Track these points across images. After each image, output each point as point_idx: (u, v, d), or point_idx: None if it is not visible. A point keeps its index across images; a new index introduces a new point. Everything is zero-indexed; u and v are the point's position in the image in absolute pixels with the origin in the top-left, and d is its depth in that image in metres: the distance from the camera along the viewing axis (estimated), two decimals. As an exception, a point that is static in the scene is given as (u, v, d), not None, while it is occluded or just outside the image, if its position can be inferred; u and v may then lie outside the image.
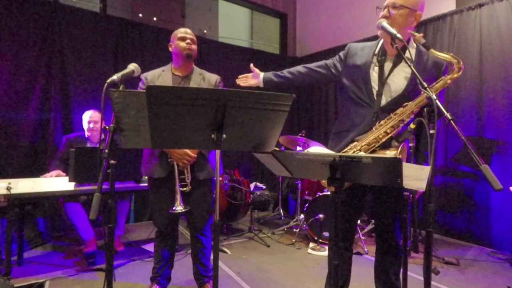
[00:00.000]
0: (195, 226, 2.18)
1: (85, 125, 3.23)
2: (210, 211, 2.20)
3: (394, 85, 1.62)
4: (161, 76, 2.07)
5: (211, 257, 2.26)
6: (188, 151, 1.98)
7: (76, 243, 3.29)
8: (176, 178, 1.99)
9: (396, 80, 1.63)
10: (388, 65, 1.65)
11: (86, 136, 3.21)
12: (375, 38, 1.75)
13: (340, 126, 1.78)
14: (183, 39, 2.05)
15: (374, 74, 1.67)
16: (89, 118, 3.19)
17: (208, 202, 2.19)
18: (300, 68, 1.88)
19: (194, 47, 2.09)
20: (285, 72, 1.89)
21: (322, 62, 1.87)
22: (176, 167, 2.00)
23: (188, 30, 2.11)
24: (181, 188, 2.00)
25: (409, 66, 1.40)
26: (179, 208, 1.94)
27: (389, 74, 1.64)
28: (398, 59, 1.64)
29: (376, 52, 1.70)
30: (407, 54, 1.53)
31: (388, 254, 1.74)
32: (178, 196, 1.96)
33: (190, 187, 2.04)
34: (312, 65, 1.87)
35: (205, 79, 2.14)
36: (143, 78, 2.06)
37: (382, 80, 1.63)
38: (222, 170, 2.26)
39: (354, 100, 1.71)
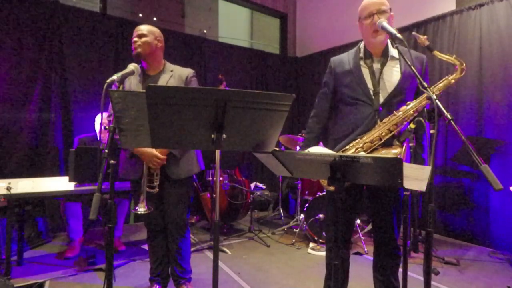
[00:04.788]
0: (171, 227, 2.14)
1: (97, 127, 3.24)
2: (186, 215, 2.15)
3: (388, 83, 1.66)
4: (130, 78, 1.96)
5: (210, 256, 2.26)
6: (157, 152, 1.94)
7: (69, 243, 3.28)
8: (144, 178, 1.95)
9: (388, 78, 1.67)
10: (376, 66, 1.70)
11: (99, 138, 3.23)
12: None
13: (339, 130, 1.76)
14: (132, 39, 1.98)
15: (365, 76, 1.70)
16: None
17: (185, 202, 2.14)
18: (315, 123, 1.88)
19: (143, 40, 1.95)
20: (312, 136, 1.89)
21: (321, 96, 1.88)
22: (146, 167, 1.96)
23: (139, 27, 1.99)
24: (148, 189, 1.95)
25: (410, 66, 1.41)
26: (141, 209, 1.90)
27: (380, 74, 1.67)
28: (385, 58, 1.69)
29: (361, 55, 1.73)
30: (392, 53, 1.67)
31: (386, 254, 1.74)
32: (142, 197, 1.92)
33: (157, 189, 2.00)
34: (318, 109, 1.88)
35: (175, 75, 2.06)
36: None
37: (376, 80, 1.67)
38: (202, 166, 2.24)
39: (351, 103, 1.72)
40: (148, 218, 2.14)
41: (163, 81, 2.02)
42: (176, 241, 2.16)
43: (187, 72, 2.11)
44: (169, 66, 2.11)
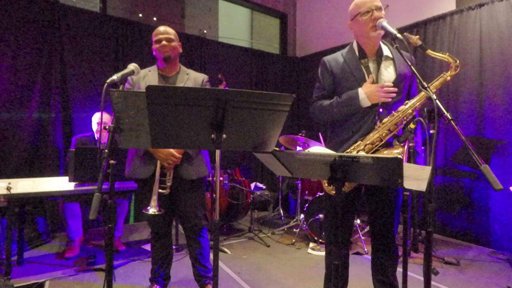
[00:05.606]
0: (190, 229, 2.15)
1: (94, 127, 3.25)
2: (204, 213, 2.15)
3: (385, 82, 1.65)
4: (147, 76, 2.04)
5: (211, 257, 2.26)
6: (173, 151, 1.93)
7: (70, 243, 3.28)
8: (157, 178, 1.94)
9: (385, 78, 1.67)
10: (372, 65, 1.69)
11: (96, 137, 3.24)
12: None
13: (340, 134, 1.74)
14: (158, 41, 2.02)
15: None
16: (105, 120, 3.19)
17: (201, 203, 2.15)
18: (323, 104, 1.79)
19: (172, 45, 2.03)
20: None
21: (320, 97, 1.79)
22: (159, 167, 1.95)
23: (164, 29, 2.04)
24: (160, 190, 1.95)
25: (409, 66, 1.42)
26: (152, 210, 1.89)
27: (378, 73, 1.67)
28: (379, 57, 1.69)
29: (357, 56, 1.72)
30: (386, 53, 1.68)
31: (384, 253, 1.73)
32: (155, 197, 1.91)
33: (169, 190, 1.99)
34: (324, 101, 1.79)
35: (191, 78, 2.12)
36: (129, 79, 2.01)
37: (374, 80, 1.66)
38: (210, 170, 2.23)
39: None
40: (153, 219, 2.13)
41: (181, 81, 2.08)
42: (195, 242, 2.17)
43: (202, 76, 2.17)
44: (185, 69, 2.17)
